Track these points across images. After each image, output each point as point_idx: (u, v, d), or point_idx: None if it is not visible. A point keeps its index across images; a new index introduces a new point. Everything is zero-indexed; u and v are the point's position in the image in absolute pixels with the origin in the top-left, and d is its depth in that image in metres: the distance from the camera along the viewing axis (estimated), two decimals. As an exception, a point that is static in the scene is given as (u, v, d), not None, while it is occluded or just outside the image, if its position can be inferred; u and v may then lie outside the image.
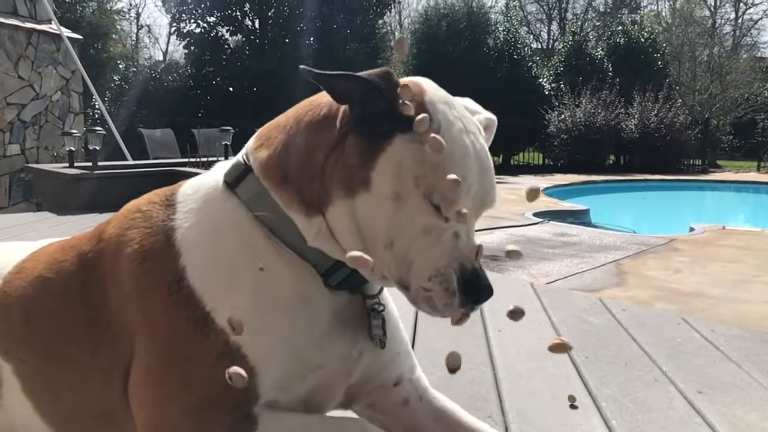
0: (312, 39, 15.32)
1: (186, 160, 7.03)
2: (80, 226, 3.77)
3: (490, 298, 0.83)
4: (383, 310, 0.98)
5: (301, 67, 0.86)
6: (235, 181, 0.93)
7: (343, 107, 0.87)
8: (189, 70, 15.90)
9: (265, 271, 0.87)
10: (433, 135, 0.80)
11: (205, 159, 6.42)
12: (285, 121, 0.95)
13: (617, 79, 18.70)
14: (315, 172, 0.88)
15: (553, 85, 19.31)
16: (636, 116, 17.42)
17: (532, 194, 0.91)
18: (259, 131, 0.99)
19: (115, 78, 15.65)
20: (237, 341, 0.83)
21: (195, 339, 0.84)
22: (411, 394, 1.05)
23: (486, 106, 1.02)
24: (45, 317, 1.00)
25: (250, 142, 0.97)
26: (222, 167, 0.98)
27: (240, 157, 0.96)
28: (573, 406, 1.79)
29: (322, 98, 0.92)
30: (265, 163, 0.92)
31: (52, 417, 0.99)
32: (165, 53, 29.41)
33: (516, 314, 0.87)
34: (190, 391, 0.84)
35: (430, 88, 0.88)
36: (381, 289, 0.99)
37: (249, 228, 0.90)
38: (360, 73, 0.83)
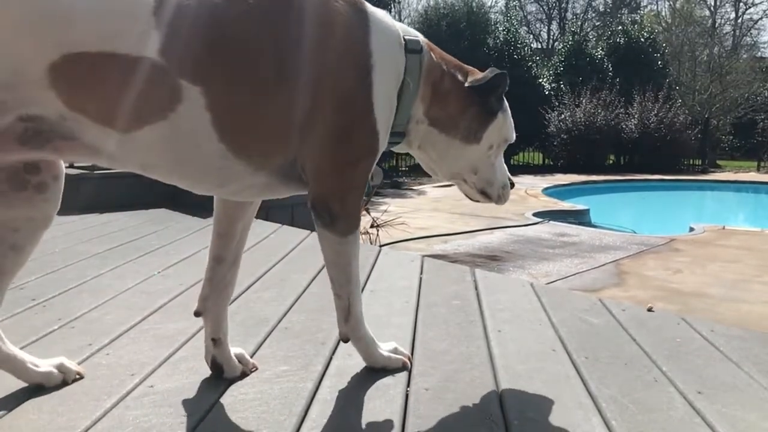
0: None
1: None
2: (81, 226, 3.77)
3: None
4: None
5: (493, 70, 1.47)
6: (410, 50, 1.42)
7: (468, 86, 1.47)
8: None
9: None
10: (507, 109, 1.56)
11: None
12: (446, 57, 1.50)
13: (617, 79, 18.69)
14: (445, 108, 1.47)
15: (553, 85, 19.29)
16: (636, 116, 17.40)
17: None
18: (428, 42, 1.48)
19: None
20: (378, 128, 1.36)
21: (359, 115, 1.33)
22: None
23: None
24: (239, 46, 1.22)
25: (423, 40, 1.46)
26: (401, 26, 1.45)
27: (420, 38, 1.45)
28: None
29: (464, 67, 1.52)
30: (429, 63, 1.46)
31: (224, 129, 1.22)
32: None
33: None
34: (350, 147, 1.34)
35: None
36: None
37: (400, 77, 1.41)
38: (499, 71, 1.46)
